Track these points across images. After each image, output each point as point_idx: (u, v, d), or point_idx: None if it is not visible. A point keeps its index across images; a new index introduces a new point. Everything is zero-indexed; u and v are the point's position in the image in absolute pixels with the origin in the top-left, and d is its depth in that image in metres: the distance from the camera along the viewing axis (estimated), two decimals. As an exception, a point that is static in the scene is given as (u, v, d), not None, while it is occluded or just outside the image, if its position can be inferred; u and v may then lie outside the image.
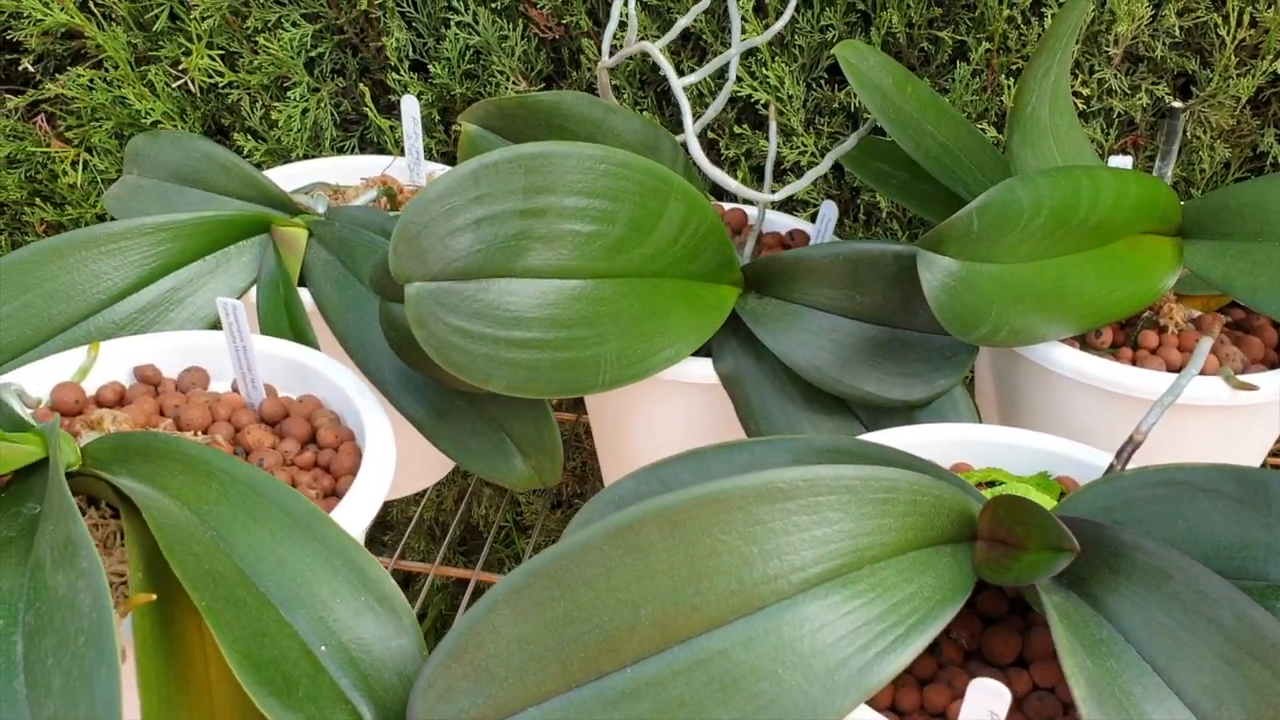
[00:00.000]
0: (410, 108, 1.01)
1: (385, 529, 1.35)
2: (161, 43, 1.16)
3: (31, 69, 1.22)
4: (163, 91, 1.16)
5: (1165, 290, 0.78)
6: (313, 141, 1.16)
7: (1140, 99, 1.00)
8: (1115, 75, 1.00)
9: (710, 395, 0.82)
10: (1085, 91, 1.01)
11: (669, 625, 0.51)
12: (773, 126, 0.90)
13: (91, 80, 1.17)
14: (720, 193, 1.11)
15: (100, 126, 1.20)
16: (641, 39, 0.97)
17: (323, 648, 0.53)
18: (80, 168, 1.22)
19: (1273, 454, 0.96)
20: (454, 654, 0.50)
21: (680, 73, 1.09)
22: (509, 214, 0.66)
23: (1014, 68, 1.01)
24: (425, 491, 1.13)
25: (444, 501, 1.36)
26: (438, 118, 1.14)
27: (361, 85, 1.14)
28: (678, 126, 1.10)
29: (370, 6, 1.10)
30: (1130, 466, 0.66)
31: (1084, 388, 0.77)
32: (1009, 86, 1.00)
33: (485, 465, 0.78)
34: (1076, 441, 0.70)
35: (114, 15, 1.15)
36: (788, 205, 1.10)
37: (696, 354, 0.78)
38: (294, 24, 1.11)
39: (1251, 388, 0.74)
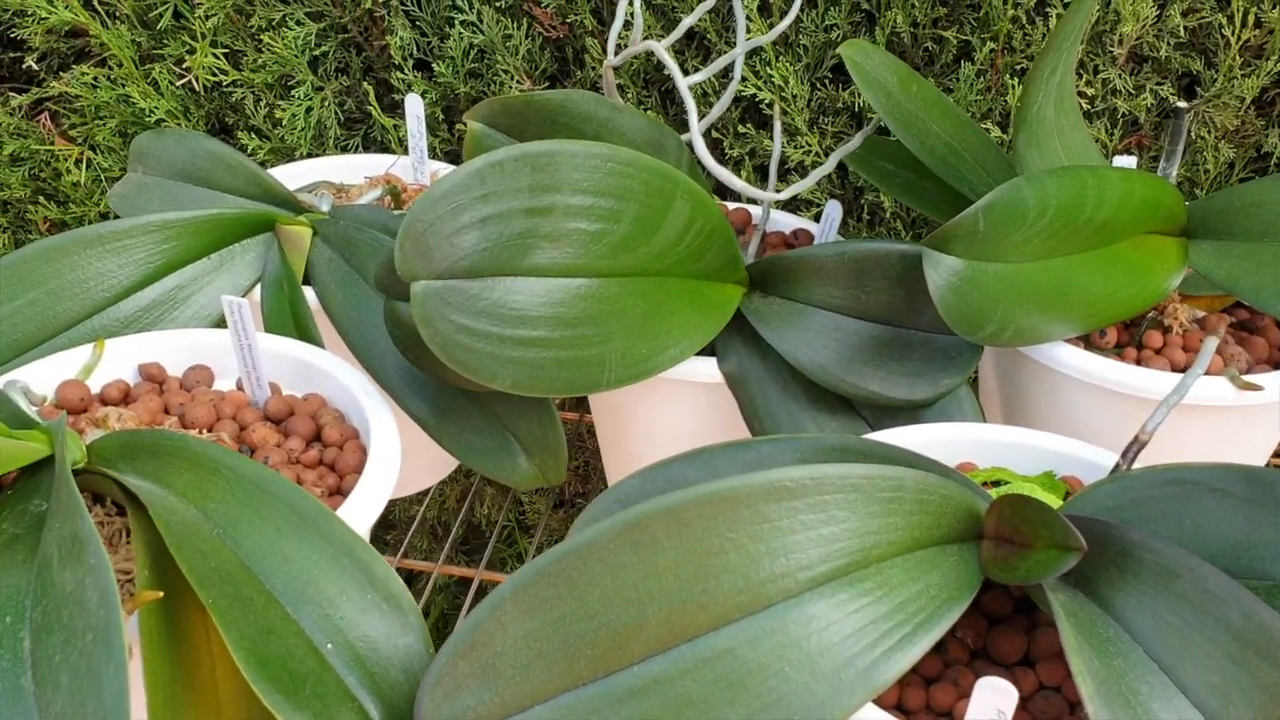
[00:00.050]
0: (414, 106, 1.01)
1: (387, 528, 1.35)
2: (166, 41, 1.16)
3: (35, 67, 1.22)
4: (167, 90, 1.16)
5: (1170, 290, 0.78)
6: (316, 140, 1.16)
7: (1145, 99, 1.00)
8: (1120, 75, 1.00)
9: (714, 395, 0.82)
10: (1090, 91, 1.01)
11: (676, 623, 0.51)
12: (777, 126, 0.90)
13: (95, 78, 1.17)
14: (724, 192, 1.11)
15: (104, 125, 1.20)
16: (646, 38, 0.97)
17: (329, 645, 0.53)
18: (84, 166, 1.22)
19: (1276, 454, 0.96)
20: (461, 651, 0.50)
21: (684, 72, 1.09)
22: (515, 212, 0.66)
23: (1018, 68, 1.01)
24: (428, 490, 1.13)
25: (446, 500, 1.36)
26: (441, 116, 1.14)
27: (365, 84, 1.14)
28: (682, 126, 1.10)
29: (374, 5, 1.10)
30: (1135, 466, 0.66)
31: (1089, 387, 0.77)
32: (1013, 86, 1.00)
33: (489, 464, 0.78)
34: (1081, 441, 0.70)
35: (118, 13, 1.15)
36: (791, 205, 1.10)
37: (701, 353, 0.78)
38: (298, 22, 1.11)
39: (1256, 388, 0.74)
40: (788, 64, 1.03)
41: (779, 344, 0.78)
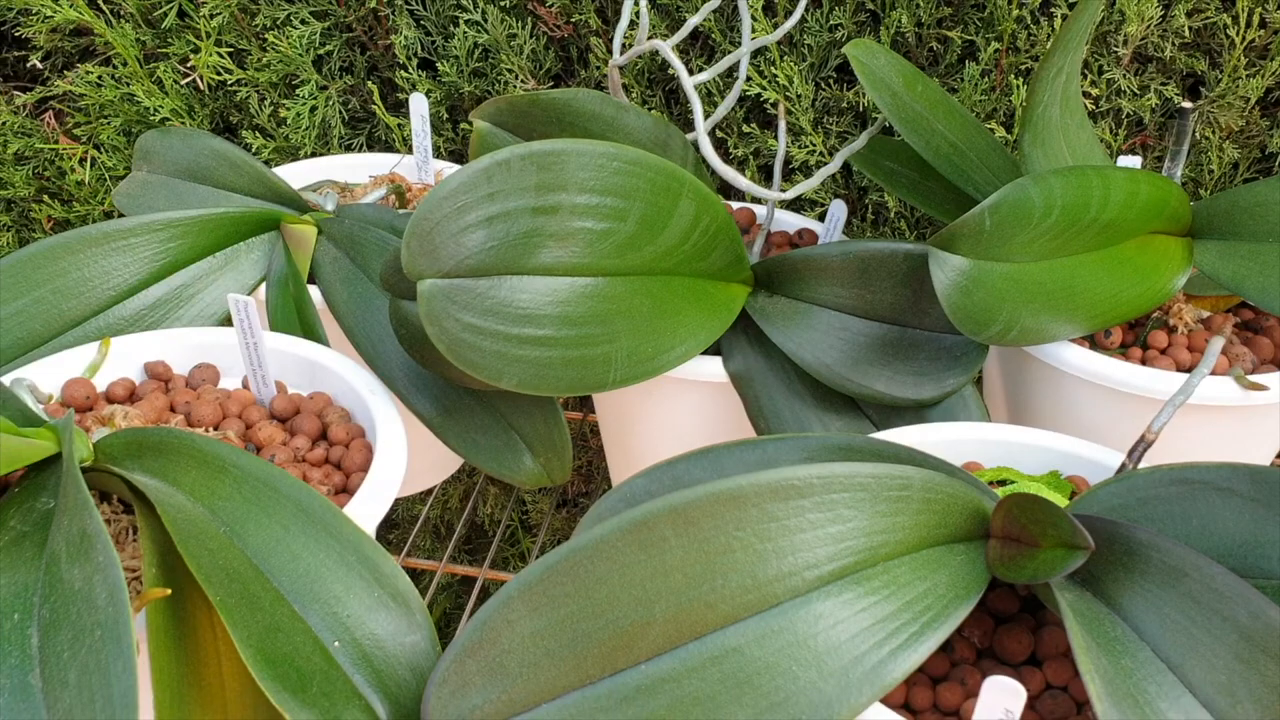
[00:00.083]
0: (419, 105, 1.01)
1: (390, 527, 1.35)
2: (170, 40, 1.16)
3: (40, 66, 1.22)
4: (171, 89, 1.16)
5: (1175, 290, 0.78)
6: (321, 139, 1.16)
7: (1149, 99, 1.00)
8: (1124, 75, 1.00)
9: (719, 394, 0.82)
10: (1094, 92, 1.01)
11: (684, 622, 0.51)
12: (781, 125, 0.90)
13: (100, 77, 1.17)
14: (728, 191, 1.11)
15: (108, 123, 1.20)
16: (651, 37, 0.97)
17: (336, 643, 0.53)
18: (88, 165, 1.22)
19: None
20: (469, 649, 0.50)
21: (689, 71, 1.09)
22: (521, 211, 0.66)
23: (1023, 68, 1.01)
24: (432, 490, 1.13)
25: (449, 500, 1.36)
26: (446, 116, 1.15)
27: (370, 83, 1.14)
28: (686, 125, 1.10)
29: (379, 4, 1.10)
30: (1141, 466, 0.66)
31: (1094, 387, 0.77)
32: (1018, 86, 1.00)
33: (494, 463, 0.78)
34: (1087, 441, 0.70)
35: (123, 12, 1.15)
36: (796, 204, 1.10)
37: (706, 352, 0.78)
38: (303, 21, 1.11)
39: (1261, 388, 0.74)
40: (792, 63, 1.03)
41: (784, 343, 0.78)
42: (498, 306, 0.66)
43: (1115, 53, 1.00)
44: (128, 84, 1.17)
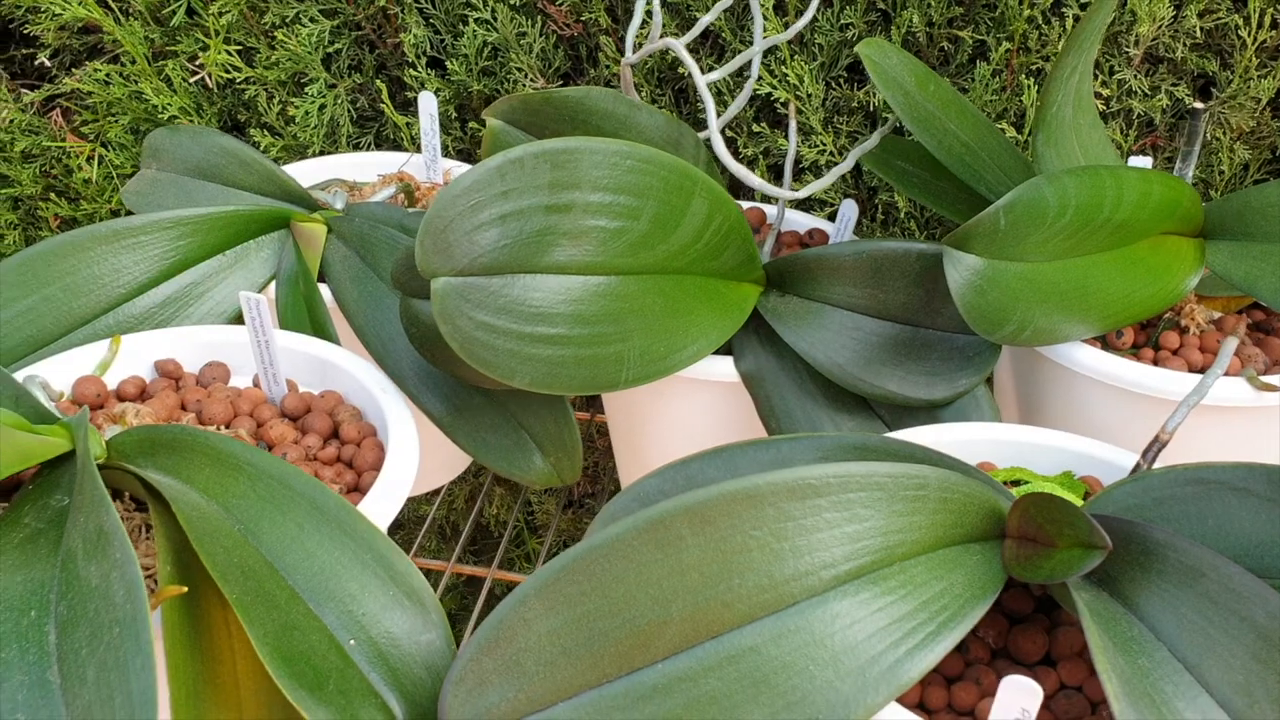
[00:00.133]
0: (427, 104, 1.00)
1: (396, 527, 1.35)
2: (179, 38, 1.16)
3: (48, 63, 1.22)
4: (179, 87, 1.16)
5: (1187, 291, 0.78)
6: (329, 138, 1.16)
7: (1160, 100, 1.00)
8: (1135, 76, 1.00)
9: (730, 394, 0.82)
10: (1105, 92, 1.01)
11: (700, 621, 0.51)
12: (792, 125, 0.90)
13: (108, 75, 1.17)
14: (737, 191, 1.11)
15: (116, 121, 1.20)
16: (662, 36, 0.96)
17: (352, 641, 0.53)
18: (95, 163, 1.22)
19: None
20: (485, 647, 0.50)
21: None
22: (534, 209, 0.66)
23: (1034, 68, 1.01)
24: (439, 490, 1.12)
25: (455, 501, 1.35)
26: (454, 114, 1.14)
27: (378, 82, 1.14)
28: (695, 124, 1.10)
29: (388, 3, 1.10)
30: (1155, 466, 0.66)
31: (1106, 388, 0.77)
32: (1029, 87, 1.00)
33: (504, 462, 0.78)
34: (1100, 441, 0.70)
35: (131, 10, 1.15)
36: (805, 204, 1.10)
37: (717, 352, 0.78)
38: (312, 20, 1.11)
39: (1274, 389, 0.73)
40: (803, 63, 1.03)
41: (796, 343, 0.78)
42: (511, 305, 0.66)
43: (1126, 53, 1.00)
44: (136, 82, 1.17)
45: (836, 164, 1.07)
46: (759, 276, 0.80)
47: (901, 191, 1.03)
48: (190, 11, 1.14)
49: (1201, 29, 0.98)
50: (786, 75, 1.04)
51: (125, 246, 0.80)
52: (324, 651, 0.51)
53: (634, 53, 0.89)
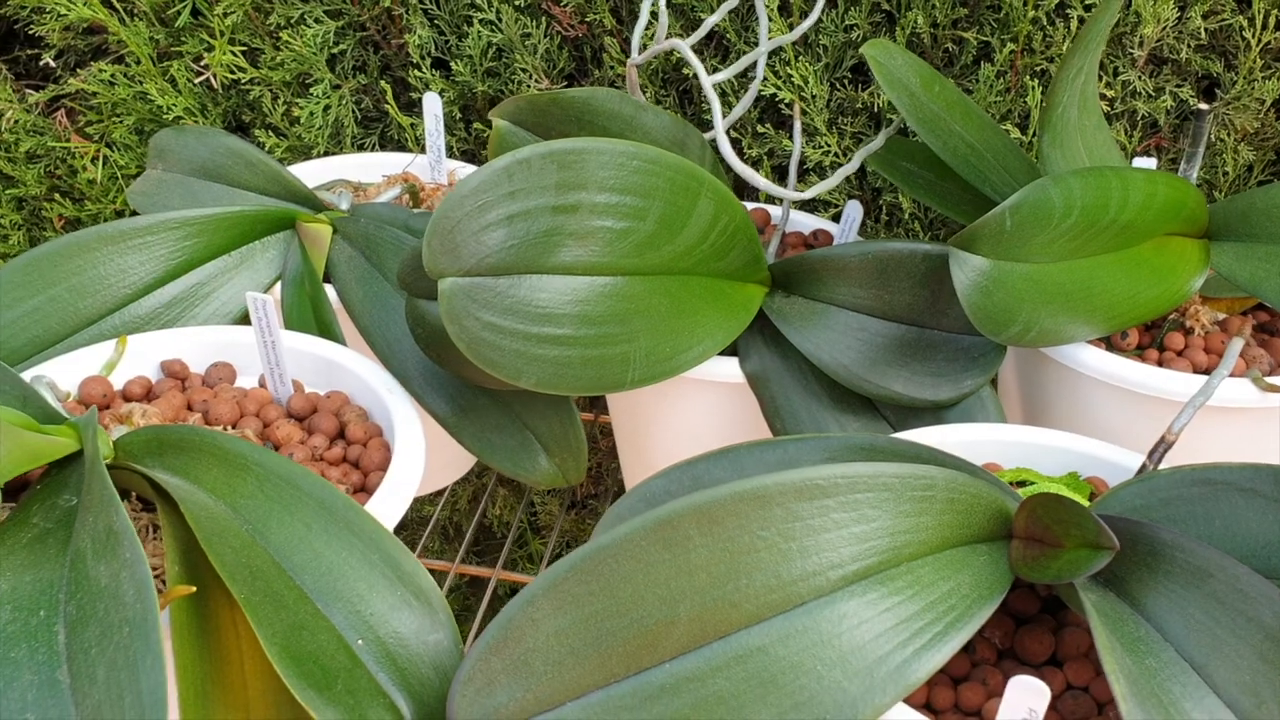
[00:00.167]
0: (432, 105, 1.01)
1: (398, 528, 1.34)
2: (184, 38, 1.16)
3: (53, 64, 1.22)
4: (184, 87, 1.16)
5: (1192, 292, 0.78)
6: (333, 138, 1.16)
7: (1164, 101, 1.00)
8: (1140, 77, 1.00)
9: (735, 395, 0.82)
10: (1110, 93, 1.01)
11: (708, 621, 0.51)
12: (797, 125, 0.90)
13: (113, 75, 1.17)
14: (741, 191, 1.11)
15: (121, 122, 1.20)
16: (667, 37, 0.97)
17: (360, 641, 0.53)
18: (100, 163, 1.22)
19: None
20: (493, 647, 0.50)
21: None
22: (541, 210, 0.66)
23: (1038, 69, 1.01)
24: (443, 491, 1.13)
25: (458, 501, 1.36)
26: (459, 115, 1.15)
27: (383, 82, 1.14)
28: (699, 125, 1.10)
29: (393, 3, 1.10)
30: (1161, 467, 0.66)
31: (1111, 389, 0.77)
32: (1033, 88, 1.00)
33: (509, 463, 0.78)
34: (1105, 442, 0.70)
35: (136, 10, 1.15)
36: (809, 205, 1.10)
37: (722, 353, 0.78)
38: (316, 20, 1.11)
39: (1279, 389, 0.74)
40: (807, 64, 1.03)
41: (802, 344, 0.78)
42: (517, 305, 0.66)
43: (1131, 54, 1.00)
44: (141, 82, 1.17)
45: (840, 165, 1.07)
46: (764, 277, 0.80)
47: (906, 192, 1.03)
48: (195, 12, 1.15)
49: (1206, 30, 0.99)
50: (791, 76, 1.04)
51: (131, 247, 0.80)
52: (332, 651, 0.51)
53: (640, 54, 0.89)
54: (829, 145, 1.06)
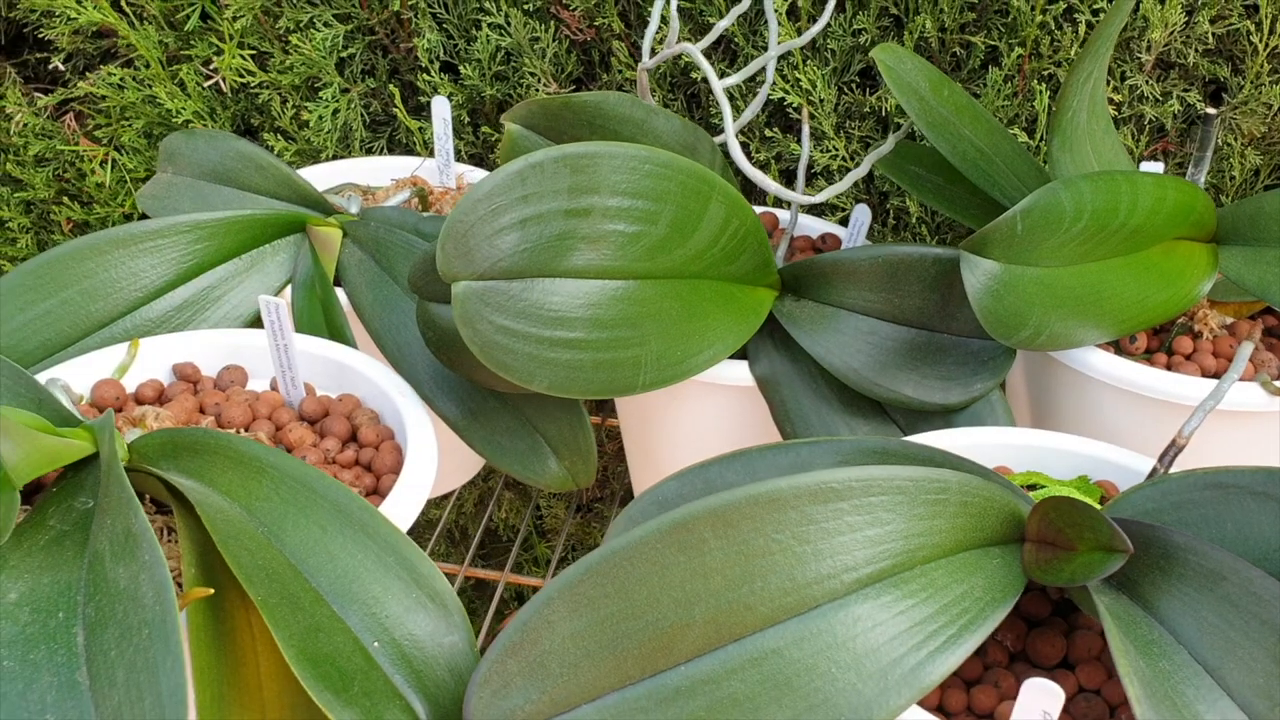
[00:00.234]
0: (441, 109, 1.01)
1: (407, 532, 1.35)
2: (193, 42, 1.16)
3: (61, 68, 1.23)
4: (193, 91, 1.16)
5: (1200, 296, 0.78)
6: (342, 142, 1.17)
7: (1171, 105, 1.01)
8: (1147, 82, 1.01)
9: (744, 398, 0.82)
10: (1117, 98, 1.01)
11: (723, 623, 0.51)
12: (805, 130, 0.91)
13: (122, 79, 1.17)
14: (749, 195, 1.11)
15: (130, 125, 1.20)
16: (677, 42, 0.97)
17: (376, 644, 0.53)
18: (109, 167, 1.22)
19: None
20: (510, 650, 0.50)
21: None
22: (554, 214, 0.67)
23: (1046, 73, 1.01)
24: (450, 494, 1.13)
25: (464, 505, 1.36)
26: (467, 119, 1.15)
27: (391, 86, 1.14)
28: (708, 129, 1.10)
29: (402, 7, 1.11)
30: (1171, 470, 0.66)
31: (1119, 392, 0.77)
32: (1040, 92, 1.01)
33: (519, 466, 0.78)
34: (1116, 446, 0.71)
35: (146, 14, 1.15)
36: (817, 209, 1.11)
37: (732, 356, 0.78)
38: (326, 24, 1.11)
39: (1289, 393, 0.74)
40: (815, 68, 1.04)
41: (812, 347, 0.78)
42: (530, 309, 0.66)
43: (1138, 59, 1.00)
44: (150, 86, 1.17)
45: (848, 169, 1.07)
46: (774, 281, 0.80)
47: (915, 196, 1.03)
48: (204, 16, 1.15)
49: (1213, 35, 0.99)
50: (799, 80, 1.04)
51: (142, 250, 0.81)
52: (349, 653, 0.52)
53: (650, 58, 0.89)
54: (837, 149, 1.07)
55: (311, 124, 1.14)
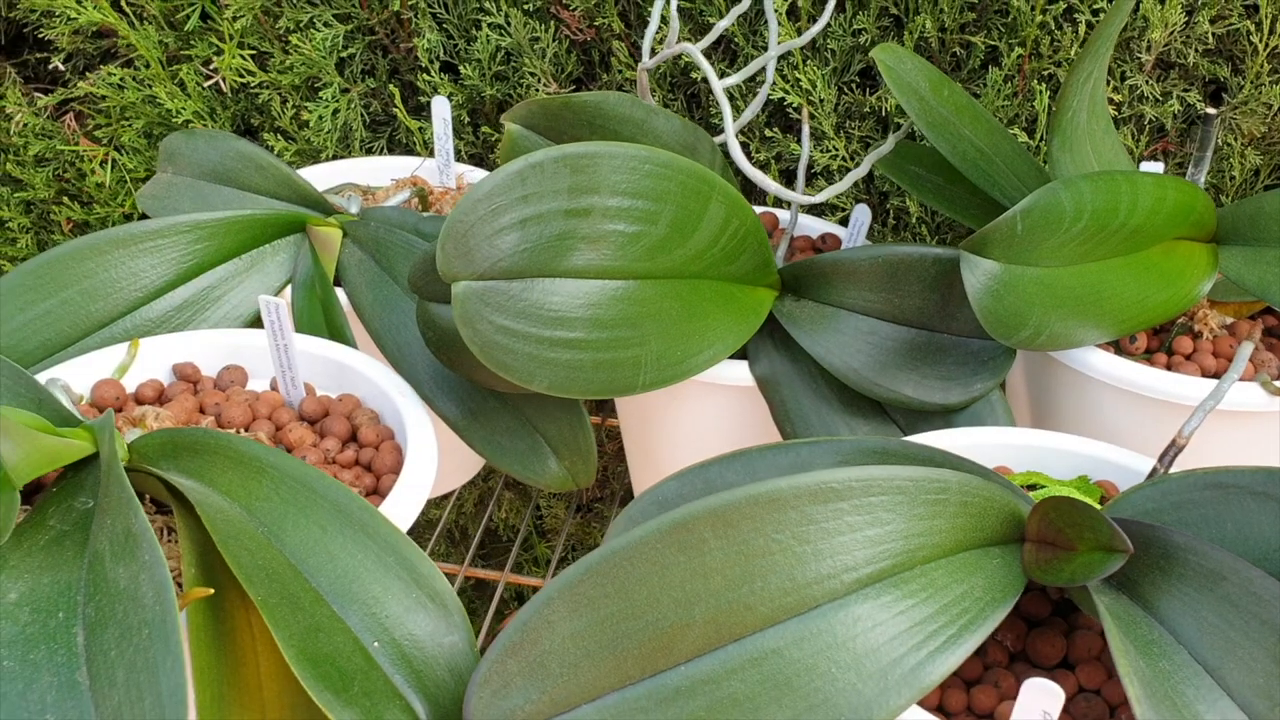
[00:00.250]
0: (441, 109, 1.01)
1: (406, 532, 1.35)
2: (193, 42, 1.16)
3: (61, 68, 1.23)
4: (193, 91, 1.16)
5: (1200, 296, 0.78)
6: (342, 142, 1.17)
7: (1171, 105, 1.01)
8: (1147, 82, 1.01)
9: (744, 398, 0.82)
10: (1117, 98, 1.01)
11: (723, 623, 0.51)
12: (805, 130, 0.91)
13: (122, 79, 1.17)
14: (749, 195, 1.11)
15: (130, 126, 1.20)
16: (677, 42, 0.97)
17: (376, 644, 0.53)
18: (109, 167, 1.22)
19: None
20: (510, 650, 0.50)
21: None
22: (554, 214, 0.67)
23: (1045, 73, 1.01)
24: (450, 495, 1.13)
25: (464, 505, 1.36)
26: (467, 119, 1.15)
27: (391, 86, 1.14)
28: (708, 129, 1.10)
29: (402, 7, 1.11)
30: (1171, 470, 0.66)
31: (1119, 392, 0.77)
32: (1040, 92, 1.01)
33: (519, 466, 0.78)
34: (1116, 446, 0.71)
35: (146, 14, 1.15)
36: (817, 209, 1.11)
37: (732, 356, 0.78)
38: (326, 24, 1.11)
39: (1289, 393, 0.74)
40: (815, 68, 1.04)
41: (812, 347, 0.78)
42: (530, 309, 0.66)
43: (1138, 59, 1.00)
44: (150, 86, 1.17)
45: (848, 169, 1.07)
46: (774, 281, 0.80)
47: (915, 196, 1.03)
48: (204, 16, 1.15)
49: (1213, 35, 0.99)
50: (799, 80, 1.04)
51: (142, 250, 0.81)
52: (349, 653, 0.52)
53: (650, 58, 0.89)
54: (836, 149, 1.07)
55: (311, 124, 1.14)
